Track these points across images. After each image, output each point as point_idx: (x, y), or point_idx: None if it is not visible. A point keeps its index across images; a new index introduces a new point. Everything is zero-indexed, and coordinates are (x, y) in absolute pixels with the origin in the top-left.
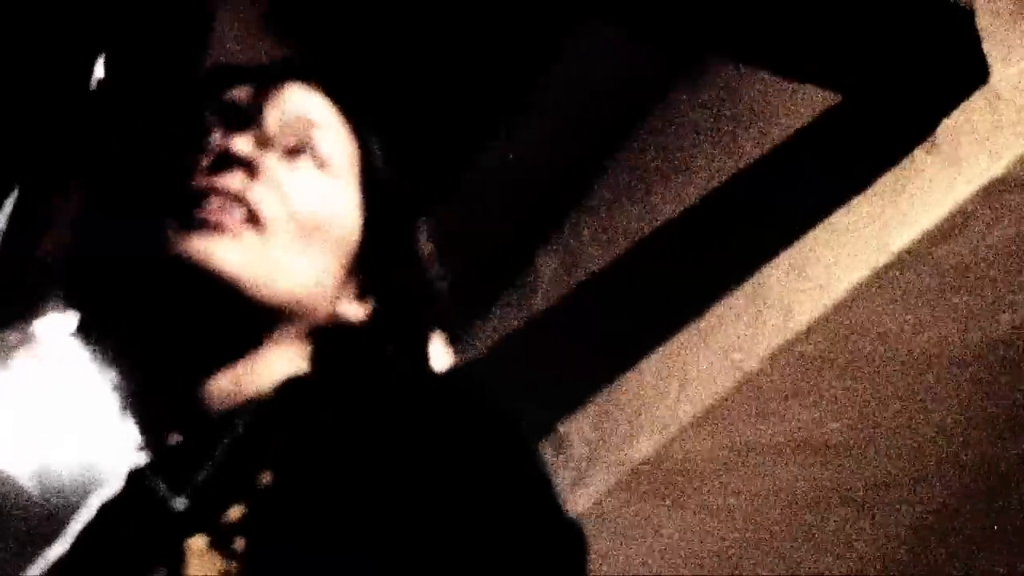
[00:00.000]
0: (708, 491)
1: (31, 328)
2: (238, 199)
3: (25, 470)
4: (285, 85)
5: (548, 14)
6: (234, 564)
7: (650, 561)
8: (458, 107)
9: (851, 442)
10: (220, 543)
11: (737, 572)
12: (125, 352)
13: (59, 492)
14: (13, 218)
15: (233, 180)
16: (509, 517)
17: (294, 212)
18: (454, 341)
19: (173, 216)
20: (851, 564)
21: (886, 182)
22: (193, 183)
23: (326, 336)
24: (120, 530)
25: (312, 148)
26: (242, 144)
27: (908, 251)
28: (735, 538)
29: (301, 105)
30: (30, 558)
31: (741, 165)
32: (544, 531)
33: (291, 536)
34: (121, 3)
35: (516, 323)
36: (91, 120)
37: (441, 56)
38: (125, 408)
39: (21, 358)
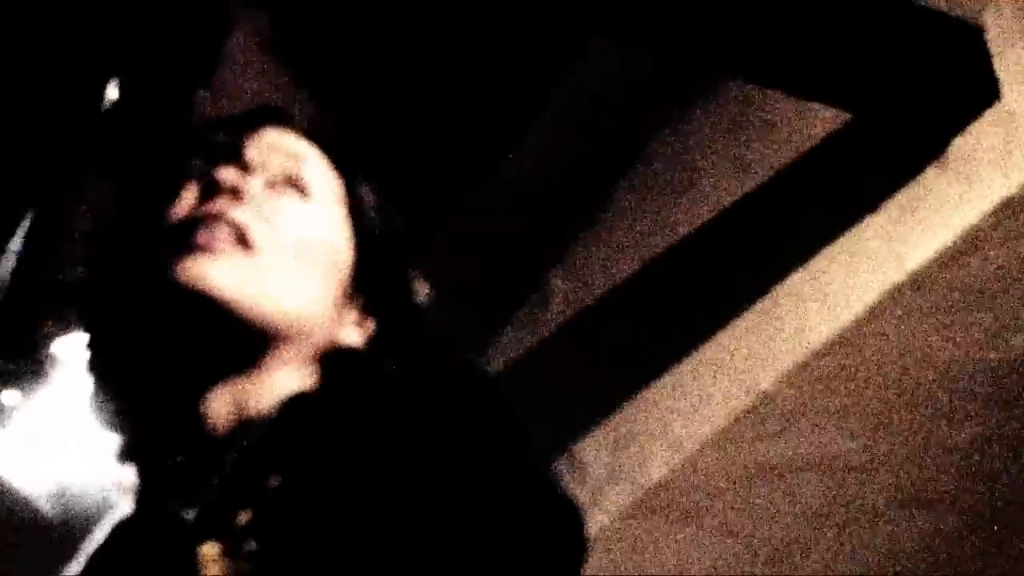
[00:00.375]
0: (724, 510)
1: (50, 347)
2: (225, 222)
3: (41, 491)
4: (265, 126)
5: (561, 31)
6: (245, 566)
7: None
8: (470, 123)
9: (866, 461)
10: (231, 547)
11: None
12: (131, 373)
13: (74, 514)
14: (30, 235)
15: (219, 205)
16: (509, 512)
17: (282, 237)
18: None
19: (167, 243)
20: None
21: (898, 201)
22: (183, 211)
23: (329, 360)
24: (134, 546)
25: (294, 178)
26: (226, 173)
27: (922, 270)
28: (751, 557)
29: (281, 141)
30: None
31: (754, 183)
32: (544, 520)
33: (300, 536)
34: (135, 27)
35: (529, 343)
36: (104, 140)
37: (453, 73)
38: (133, 428)
39: (39, 378)
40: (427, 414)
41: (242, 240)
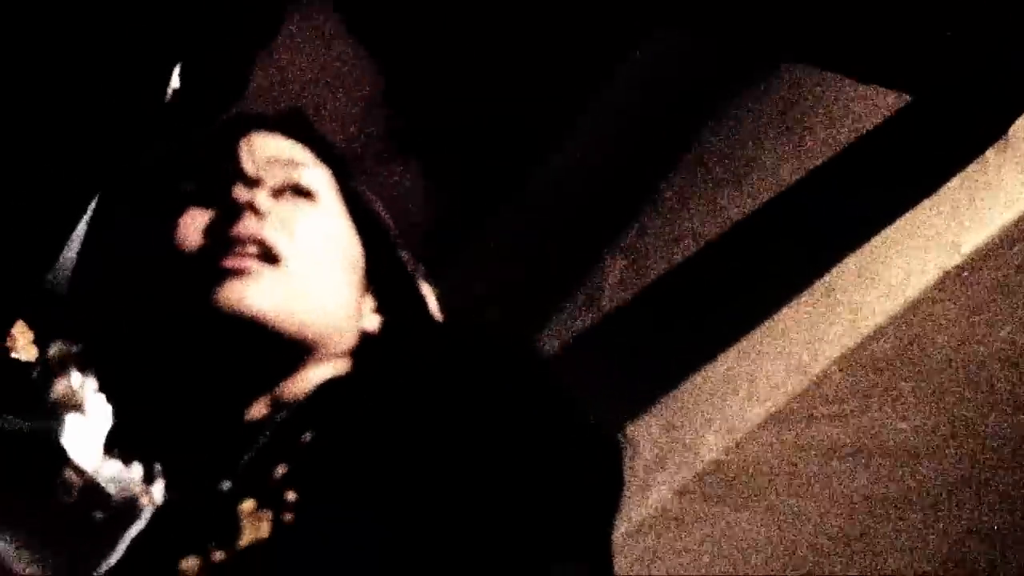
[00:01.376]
0: (776, 493)
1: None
2: (252, 241)
3: (107, 476)
4: (249, 134)
5: (616, 17)
6: (288, 514)
7: (717, 562)
8: (524, 109)
9: (921, 444)
10: (269, 500)
11: (804, 574)
12: (167, 393)
13: (132, 494)
14: (92, 225)
15: (244, 225)
16: (540, 450)
17: (303, 246)
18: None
19: (195, 271)
20: (919, 567)
21: (957, 183)
22: (197, 235)
23: (357, 352)
24: (173, 521)
25: (298, 184)
26: (239, 191)
27: (979, 252)
28: (802, 540)
29: (271, 147)
30: (109, 554)
31: (809, 167)
32: (581, 447)
33: (338, 479)
34: (197, 17)
35: (583, 325)
36: (166, 129)
37: (507, 57)
38: (168, 418)
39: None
40: (455, 370)
41: (269, 257)
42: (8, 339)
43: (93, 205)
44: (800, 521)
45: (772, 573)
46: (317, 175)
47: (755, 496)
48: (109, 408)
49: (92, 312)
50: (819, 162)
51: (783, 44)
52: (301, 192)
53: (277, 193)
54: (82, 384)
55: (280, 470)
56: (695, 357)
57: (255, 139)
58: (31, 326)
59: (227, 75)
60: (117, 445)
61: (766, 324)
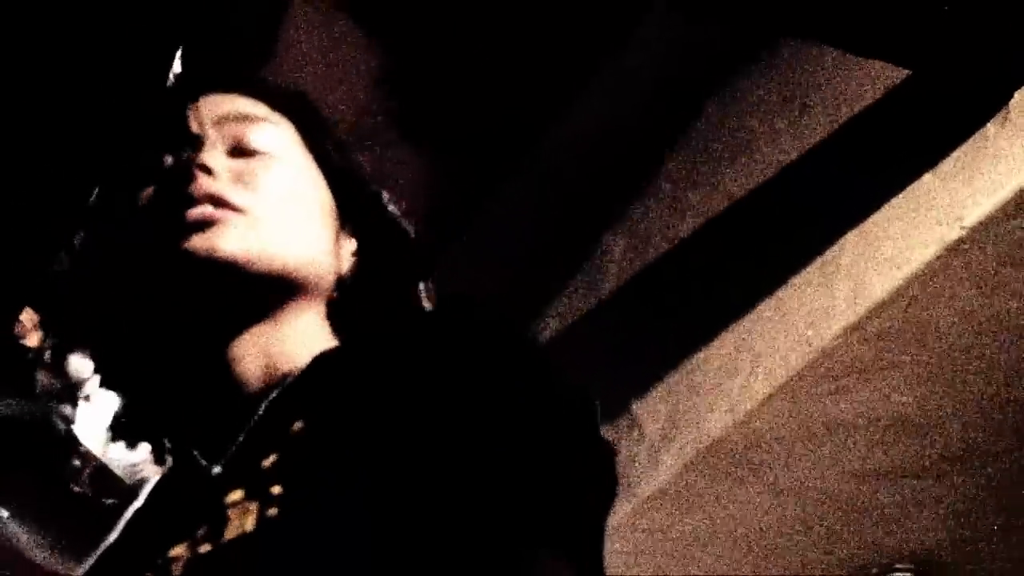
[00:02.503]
0: (782, 468)
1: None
2: (208, 198)
3: (118, 461)
4: (205, 94)
5: None
6: (272, 508)
7: (725, 537)
8: (525, 89)
9: (925, 416)
10: (256, 491)
11: (812, 548)
12: (155, 344)
13: (144, 476)
14: (95, 214)
15: (197, 185)
16: (531, 443)
17: (265, 194)
18: (526, 320)
19: (163, 227)
20: (926, 539)
21: (958, 157)
22: (164, 203)
23: (341, 308)
24: (165, 503)
25: (251, 142)
26: (211, 157)
27: (981, 225)
28: (809, 514)
29: (224, 105)
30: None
31: (810, 142)
32: (568, 449)
33: (324, 476)
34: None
35: (587, 304)
36: (169, 118)
37: (509, 37)
38: (165, 392)
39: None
40: (442, 353)
41: (231, 207)
42: (18, 326)
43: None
44: (807, 494)
45: (778, 547)
46: (274, 130)
47: (761, 471)
48: (112, 392)
49: (83, 300)
50: (820, 137)
51: (783, 19)
52: (258, 149)
53: (233, 152)
54: (89, 369)
55: (269, 460)
56: (699, 334)
57: (206, 100)
58: (37, 311)
59: (231, 59)
60: (123, 427)
61: (769, 300)
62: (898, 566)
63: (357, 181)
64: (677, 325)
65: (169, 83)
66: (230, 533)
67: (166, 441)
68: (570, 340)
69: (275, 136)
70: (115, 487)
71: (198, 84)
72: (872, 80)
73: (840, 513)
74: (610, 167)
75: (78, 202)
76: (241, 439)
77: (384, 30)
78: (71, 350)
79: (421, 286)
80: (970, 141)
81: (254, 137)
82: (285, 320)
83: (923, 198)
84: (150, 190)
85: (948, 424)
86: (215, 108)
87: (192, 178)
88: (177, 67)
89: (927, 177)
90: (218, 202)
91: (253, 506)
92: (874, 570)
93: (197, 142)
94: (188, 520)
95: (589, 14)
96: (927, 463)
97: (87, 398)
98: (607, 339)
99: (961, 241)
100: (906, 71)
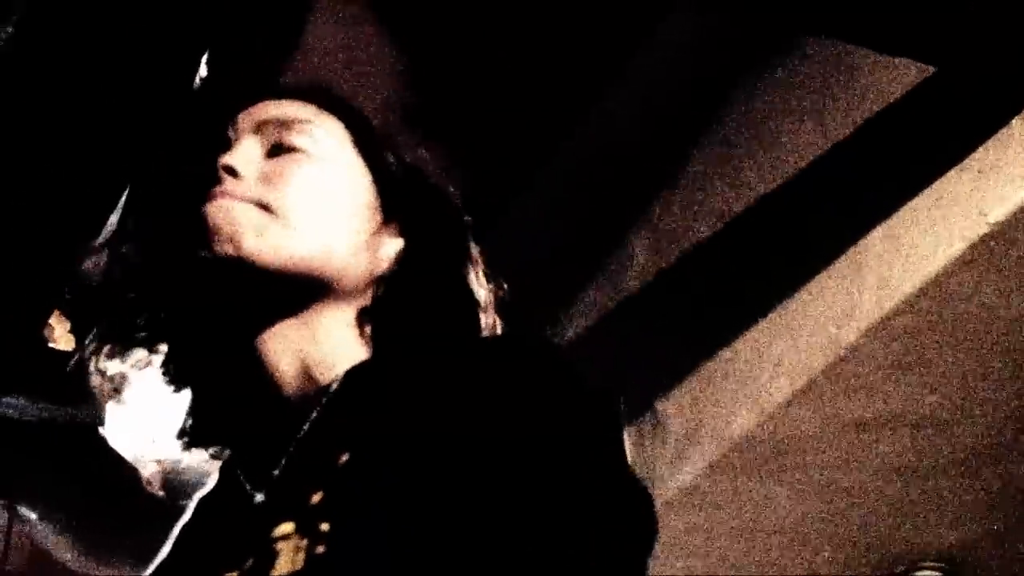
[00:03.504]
0: (807, 466)
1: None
2: (236, 199)
3: (145, 462)
4: (258, 101)
5: None
6: (320, 547)
7: (748, 535)
8: (547, 89)
9: (950, 414)
10: (306, 528)
11: (838, 546)
12: (193, 339)
13: (180, 484)
14: (125, 213)
15: (223, 189)
16: (582, 483)
17: (296, 195)
18: (551, 323)
19: (190, 225)
20: (953, 536)
21: (982, 153)
22: (206, 196)
23: (376, 313)
24: (214, 524)
25: (289, 143)
26: (227, 158)
27: (1005, 221)
28: (835, 513)
29: (272, 111)
30: (153, 547)
31: (833, 140)
32: (615, 493)
33: (372, 514)
34: (225, 4)
35: (611, 303)
36: (196, 117)
37: (530, 38)
38: (210, 408)
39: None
40: (486, 384)
41: (264, 207)
42: (46, 329)
43: (125, 195)
44: (833, 493)
45: (802, 545)
46: (317, 131)
47: (787, 470)
48: (176, 393)
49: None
50: (842, 135)
51: (806, 18)
52: (295, 150)
53: (271, 152)
54: (121, 373)
55: (317, 496)
56: (723, 333)
57: (262, 105)
58: (68, 316)
59: (255, 62)
60: (191, 433)
61: (793, 298)
62: (925, 564)
63: (413, 179)
64: (701, 324)
65: (196, 86)
66: (280, 569)
67: (223, 448)
68: (593, 339)
69: (316, 136)
70: (182, 490)
71: (252, 92)
72: (895, 78)
73: (866, 511)
74: (633, 166)
75: (108, 204)
76: (284, 463)
77: (407, 29)
78: (109, 353)
79: (483, 316)
80: (995, 137)
81: (292, 138)
82: (315, 321)
83: (948, 194)
84: (178, 193)
85: (975, 421)
86: (259, 113)
87: (217, 180)
88: (204, 71)
89: (952, 173)
90: (241, 202)
91: (304, 543)
92: (901, 568)
93: (227, 145)
94: (235, 547)
95: (611, 13)
96: (954, 460)
97: (120, 400)
98: (630, 338)
99: (987, 236)
100: (929, 68)
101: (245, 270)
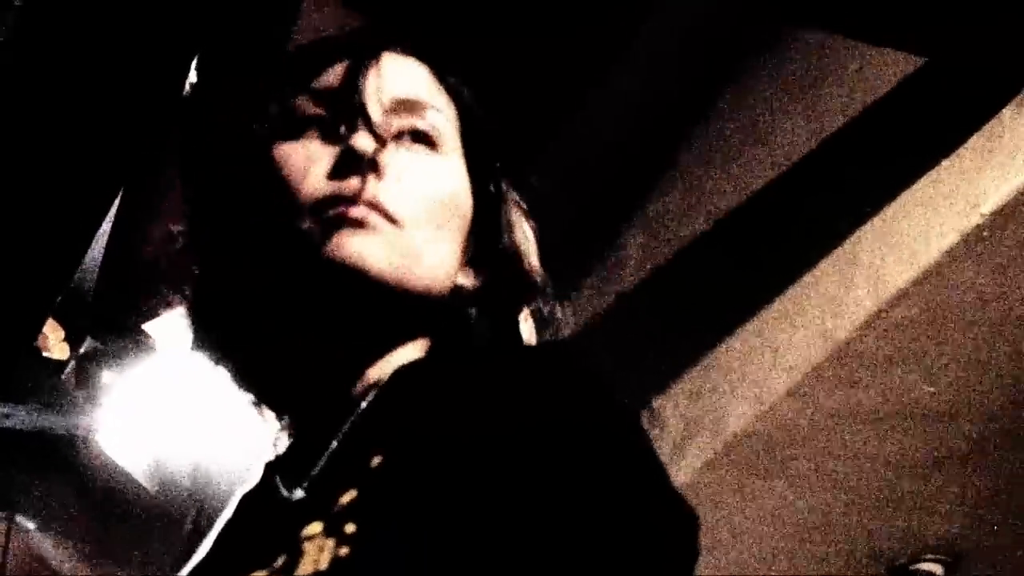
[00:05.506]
0: (804, 460)
1: (143, 328)
2: (371, 202)
3: (140, 468)
4: (380, 59)
5: None
6: (344, 549)
7: (749, 531)
8: (537, 84)
9: (947, 405)
10: (332, 528)
11: (838, 539)
12: (254, 351)
13: (174, 489)
14: (119, 218)
15: (362, 183)
16: (621, 500)
17: (418, 204)
18: (546, 317)
19: (309, 220)
20: (948, 527)
21: (974, 144)
22: (317, 184)
23: (444, 312)
24: (251, 521)
25: (419, 130)
26: (361, 141)
27: (998, 212)
28: (831, 505)
29: (401, 83)
30: (149, 551)
31: (826, 133)
32: (657, 512)
33: (400, 518)
34: (214, 10)
35: (606, 299)
36: (187, 121)
37: (517, 32)
38: (252, 403)
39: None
40: (530, 390)
41: (387, 216)
42: (40, 338)
43: (116, 203)
44: (832, 486)
45: (801, 538)
46: (442, 116)
47: (784, 464)
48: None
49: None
50: (836, 128)
51: (795, 10)
52: (427, 140)
53: (399, 138)
54: (114, 380)
55: (347, 497)
56: (718, 329)
57: (385, 66)
58: (62, 325)
59: (244, 67)
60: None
61: (787, 293)
62: (927, 556)
63: (497, 188)
64: (696, 320)
65: (185, 93)
66: (304, 569)
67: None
68: (589, 336)
69: (443, 125)
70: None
71: (375, 42)
72: (887, 70)
73: (865, 504)
74: (625, 163)
75: (101, 210)
76: (323, 462)
77: (394, 23)
78: (101, 361)
79: (523, 318)
80: (986, 128)
81: (426, 126)
82: (403, 330)
83: (940, 186)
84: (304, 152)
85: (971, 412)
86: (393, 81)
87: (359, 173)
88: (193, 76)
89: (944, 165)
90: (378, 208)
91: (329, 543)
92: (903, 560)
93: (375, 130)
94: (268, 544)
95: (600, 9)
96: (951, 452)
97: (114, 407)
98: (625, 334)
99: (979, 228)
100: (920, 60)
101: (363, 285)
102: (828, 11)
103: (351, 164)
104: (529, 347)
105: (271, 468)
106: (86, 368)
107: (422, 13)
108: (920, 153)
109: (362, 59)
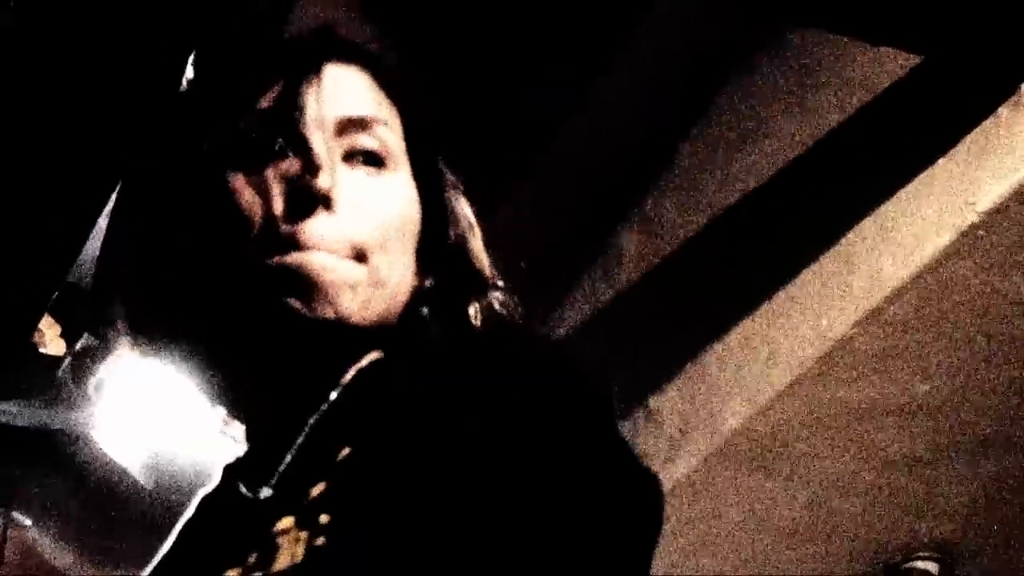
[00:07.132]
0: (800, 457)
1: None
2: (332, 247)
3: (137, 464)
4: (322, 73)
5: None
6: (320, 539)
7: (745, 528)
8: (535, 82)
9: (942, 403)
10: (305, 521)
11: (833, 537)
12: (223, 365)
13: (171, 485)
14: (114, 217)
15: (323, 225)
16: (580, 474)
17: (378, 228)
18: (544, 317)
19: (265, 263)
20: (945, 525)
21: (970, 142)
22: (278, 228)
23: (402, 322)
24: (216, 522)
25: (369, 150)
26: (314, 178)
27: (994, 210)
28: (829, 503)
29: (346, 100)
30: (147, 548)
31: (823, 131)
32: (625, 489)
33: (372, 507)
34: (210, 5)
35: (603, 297)
36: (183, 120)
37: (514, 30)
38: (218, 404)
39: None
40: (497, 385)
41: (357, 256)
42: (36, 334)
43: (113, 197)
44: (827, 484)
45: (797, 536)
46: (387, 131)
47: (781, 460)
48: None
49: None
50: (832, 126)
51: (792, 8)
52: (372, 159)
53: (348, 158)
54: (111, 376)
55: (317, 489)
56: (715, 326)
57: (328, 83)
58: (58, 320)
59: (241, 63)
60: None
61: (785, 290)
62: (921, 554)
63: (442, 198)
64: (693, 317)
65: (182, 89)
66: (280, 563)
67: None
68: (586, 333)
69: (391, 141)
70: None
71: (318, 52)
72: (883, 67)
73: (861, 502)
74: (623, 160)
75: (96, 207)
76: (289, 459)
77: (394, 30)
78: (98, 357)
79: (473, 307)
80: (982, 126)
81: (375, 146)
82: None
83: (936, 184)
84: (254, 182)
85: (967, 410)
86: (337, 99)
87: (312, 213)
88: (190, 72)
89: (940, 163)
90: (347, 246)
91: (303, 535)
92: (897, 558)
93: (323, 164)
94: (237, 543)
95: (598, 7)
96: (947, 450)
97: (110, 403)
98: (623, 332)
99: (975, 226)
100: (916, 58)
101: (340, 331)
102: (826, 10)
103: (305, 204)
104: (483, 336)
105: (230, 471)
106: (82, 364)
107: (422, 13)
108: (916, 151)
109: (305, 75)
